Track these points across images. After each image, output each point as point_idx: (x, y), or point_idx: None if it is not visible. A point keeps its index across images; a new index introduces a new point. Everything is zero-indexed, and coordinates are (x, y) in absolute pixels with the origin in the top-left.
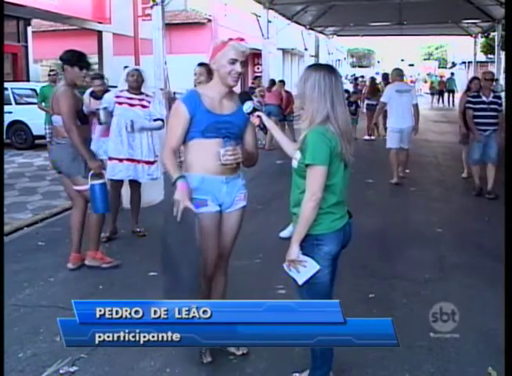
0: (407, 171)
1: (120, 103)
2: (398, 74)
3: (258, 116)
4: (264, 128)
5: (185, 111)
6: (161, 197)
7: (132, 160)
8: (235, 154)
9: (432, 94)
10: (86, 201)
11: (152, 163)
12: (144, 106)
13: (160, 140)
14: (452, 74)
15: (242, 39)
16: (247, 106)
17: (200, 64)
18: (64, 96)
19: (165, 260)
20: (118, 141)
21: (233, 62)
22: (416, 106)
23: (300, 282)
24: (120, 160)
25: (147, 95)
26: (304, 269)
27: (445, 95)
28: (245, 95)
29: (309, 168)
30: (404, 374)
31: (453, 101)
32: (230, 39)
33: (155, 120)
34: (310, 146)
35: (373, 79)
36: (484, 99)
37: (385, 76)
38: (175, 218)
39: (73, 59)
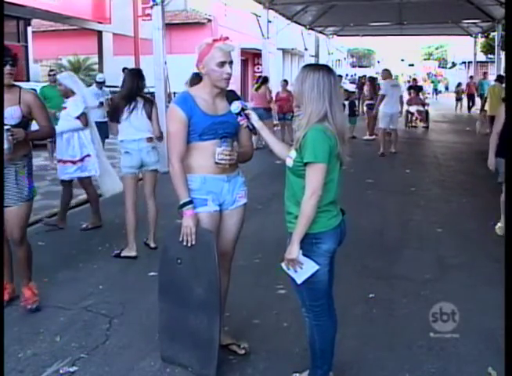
0: (407, 171)
1: None
2: (390, 73)
3: (247, 116)
4: (253, 129)
5: (182, 114)
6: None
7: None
8: (231, 155)
9: (457, 100)
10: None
11: (81, 160)
12: (64, 108)
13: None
14: (485, 73)
15: (226, 38)
16: (235, 107)
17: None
18: None
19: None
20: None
21: (222, 64)
22: (401, 97)
23: (299, 281)
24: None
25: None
26: (303, 269)
27: (473, 100)
28: (232, 95)
29: (310, 165)
30: (404, 374)
31: None
32: (214, 40)
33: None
34: (310, 143)
35: (372, 79)
36: None
37: (372, 79)
38: (181, 243)
39: None
